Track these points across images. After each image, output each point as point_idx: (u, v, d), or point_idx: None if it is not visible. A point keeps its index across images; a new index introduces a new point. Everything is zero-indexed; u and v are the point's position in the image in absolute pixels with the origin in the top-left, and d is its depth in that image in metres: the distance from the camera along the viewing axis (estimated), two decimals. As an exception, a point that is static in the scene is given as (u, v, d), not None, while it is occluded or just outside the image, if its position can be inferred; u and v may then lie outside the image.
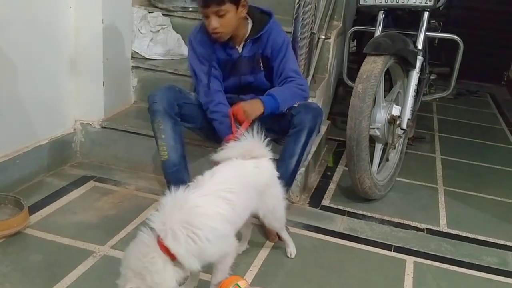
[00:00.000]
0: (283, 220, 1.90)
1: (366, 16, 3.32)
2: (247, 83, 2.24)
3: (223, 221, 1.51)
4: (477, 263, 2.11)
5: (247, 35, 2.18)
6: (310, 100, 2.57)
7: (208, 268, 1.58)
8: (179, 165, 2.10)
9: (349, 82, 2.91)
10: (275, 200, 1.81)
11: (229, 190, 1.57)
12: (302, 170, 2.39)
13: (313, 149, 2.62)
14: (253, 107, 2.04)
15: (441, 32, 3.14)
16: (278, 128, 2.15)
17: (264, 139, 1.75)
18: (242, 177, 1.67)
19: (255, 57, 2.20)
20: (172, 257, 1.43)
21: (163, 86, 2.17)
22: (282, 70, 2.17)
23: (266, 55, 2.20)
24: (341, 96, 3.87)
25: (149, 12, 3.04)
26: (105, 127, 2.62)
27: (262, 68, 2.22)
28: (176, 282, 1.44)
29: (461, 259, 2.13)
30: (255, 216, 1.80)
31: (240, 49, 2.19)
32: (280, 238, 2.04)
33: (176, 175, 2.10)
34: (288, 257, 2.00)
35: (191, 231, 1.42)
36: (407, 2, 2.61)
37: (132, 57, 2.87)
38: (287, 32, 2.36)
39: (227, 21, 2.05)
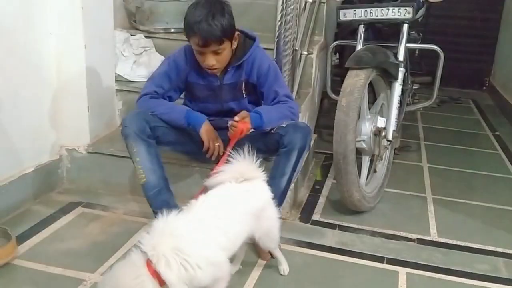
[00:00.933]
0: (278, 239, 1.90)
1: (346, 29, 3.36)
2: (230, 109, 2.24)
3: (215, 248, 1.51)
4: (469, 271, 2.12)
5: (228, 62, 2.17)
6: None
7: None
8: (158, 186, 2.09)
9: (333, 95, 2.94)
10: (271, 222, 1.81)
11: (221, 216, 1.57)
12: (291, 185, 2.39)
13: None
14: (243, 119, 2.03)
15: (421, 42, 3.19)
16: (266, 148, 2.13)
17: (256, 160, 1.75)
18: (235, 203, 1.66)
19: (237, 85, 2.20)
20: (161, 282, 1.41)
21: (134, 110, 2.18)
22: (274, 96, 2.16)
23: (251, 82, 2.20)
24: (326, 109, 3.89)
25: (131, 35, 3.05)
26: (91, 152, 2.61)
27: (245, 95, 2.23)
28: None
29: (453, 268, 2.13)
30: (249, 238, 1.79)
31: (221, 76, 2.19)
32: (272, 256, 2.03)
33: (157, 196, 2.09)
34: (281, 274, 1.99)
35: (183, 259, 1.41)
36: (386, 15, 2.64)
37: (116, 80, 2.86)
38: (269, 49, 2.38)
39: (223, 57, 2.07)
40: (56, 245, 2.11)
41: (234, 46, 2.11)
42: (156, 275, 1.40)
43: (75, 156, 2.61)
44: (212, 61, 2.05)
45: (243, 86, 2.20)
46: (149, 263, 1.41)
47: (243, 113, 2.03)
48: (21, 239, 2.11)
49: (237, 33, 2.09)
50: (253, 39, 2.19)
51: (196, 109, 2.23)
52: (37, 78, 2.43)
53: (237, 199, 1.68)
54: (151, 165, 2.07)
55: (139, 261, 1.42)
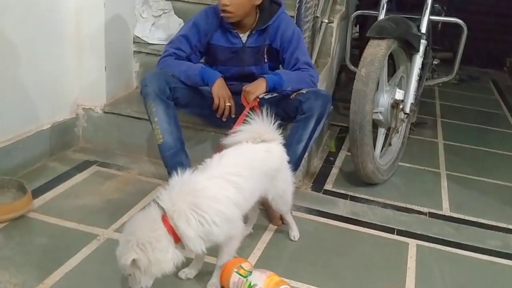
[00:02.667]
0: (290, 203, 1.91)
1: (369, 0, 3.30)
2: (250, 73, 2.22)
3: (230, 204, 1.51)
4: (480, 246, 2.12)
5: (253, 25, 2.16)
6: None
7: (213, 251, 1.59)
8: (175, 148, 2.09)
9: (352, 67, 2.91)
10: (285, 184, 1.82)
11: (237, 173, 1.57)
12: (306, 153, 2.38)
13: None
14: (255, 85, 2.04)
15: (445, 16, 3.13)
16: (284, 114, 2.10)
17: (274, 123, 1.75)
18: (251, 161, 1.67)
19: (260, 49, 2.19)
20: (176, 238, 1.43)
21: (154, 70, 2.16)
22: (295, 62, 2.15)
23: (275, 47, 2.18)
24: (343, 82, 3.85)
25: (151, -3, 3.01)
26: (107, 112, 2.62)
27: (266, 60, 2.21)
28: (174, 265, 1.45)
29: (463, 242, 2.13)
30: (262, 200, 1.80)
31: (244, 38, 2.17)
32: (283, 221, 2.04)
33: (173, 158, 2.09)
34: (291, 240, 2.00)
35: (200, 215, 1.43)
36: (411, -15, 2.59)
37: (134, 41, 2.85)
38: (290, 16, 2.34)
39: (239, 2, 2.04)
40: (70, 201, 2.14)
41: (257, 2, 2.09)
42: (173, 231, 1.42)
43: (92, 115, 2.63)
44: (226, 0, 2.02)
45: (266, 50, 2.19)
46: (165, 218, 1.43)
47: (255, 84, 2.03)
48: (37, 193, 2.14)
49: None
50: (279, 4, 2.17)
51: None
52: (56, 35, 2.43)
53: (253, 159, 1.68)
54: (168, 126, 2.07)
55: (158, 215, 1.44)
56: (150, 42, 2.90)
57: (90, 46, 2.55)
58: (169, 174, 2.06)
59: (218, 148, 1.81)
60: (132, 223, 1.45)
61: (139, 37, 2.89)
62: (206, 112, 2.27)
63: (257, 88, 2.02)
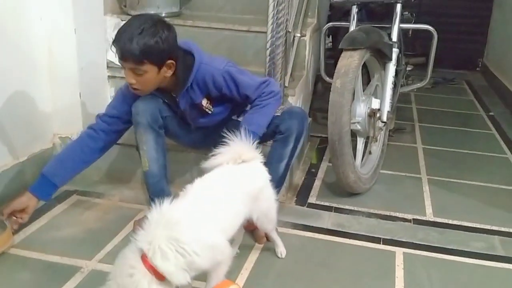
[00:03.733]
0: (275, 221, 1.90)
1: (339, 10, 3.34)
2: (205, 126, 2.18)
3: (211, 231, 1.49)
4: (465, 249, 2.13)
5: (176, 87, 2.02)
6: (289, 98, 2.58)
7: (201, 276, 1.56)
8: (159, 175, 2.07)
9: (327, 78, 2.92)
10: (269, 203, 1.81)
11: (219, 198, 1.56)
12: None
13: (296, 147, 2.61)
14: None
15: (415, 23, 3.18)
16: (263, 136, 2.04)
17: (253, 142, 1.74)
18: (234, 183, 1.65)
19: (198, 106, 2.06)
20: (159, 276, 1.39)
21: (147, 96, 2.03)
22: (245, 97, 2.03)
23: (214, 96, 2.05)
24: (320, 92, 3.87)
25: (122, 20, 2.99)
26: (84, 139, 2.58)
27: (212, 110, 2.09)
28: None
29: (449, 247, 2.14)
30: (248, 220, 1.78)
31: (176, 103, 2.06)
32: (268, 239, 2.03)
33: (157, 185, 2.07)
34: (278, 257, 1.99)
35: (179, 247, 1.39)
36: (380, -5, 2.62)
37: (107, 66, 2.83)
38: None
39: (146, 80, 1.89)
40: (52, 233, 2.11)
41: (168, 74, 1.92)
42: (153, 269, 1.38)
43: (69, 144, 2.58)
44: (131, 79, 1.88)
45: (206, 103, 2.06)
46: (145, 258, 1.39)
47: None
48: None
49: (171, 61, 1.89)
50: (192, 55, 1.98)
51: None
52: (28, 62, 2.40)
53: (235, 180, 1.67)
54: (156, 155, 2.04)
55: (134, 257, 1.40)
56: (124, 66, 2.88)
57: (63, 73, 2.52)
58: (151, 199, 2.05)
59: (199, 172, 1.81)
60: (113, 269, 1.42)
61: (113, 62, 2.87)
62: (195, 143, 2.27)
63: None
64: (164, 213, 1.44)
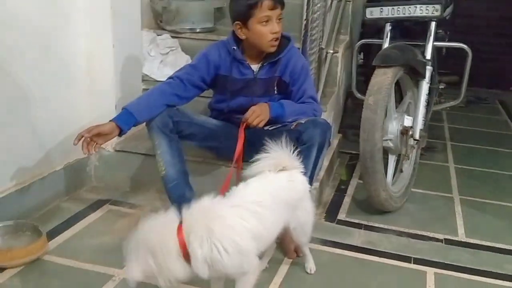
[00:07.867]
0: (310, 235, 1.89)
1: (372, 28, 3.34)
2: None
3: (247, 236, 1.49)
4: (498, 271, 2.09)
5: (265, 57, 2.19)
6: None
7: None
8: (177, 179, 2.12)
9: (359, 95, 2.93)
10: (307, 214, 1.80)
11: (261, 204, 1.56)
12: (316, 184, 2.38)
13: (326, 163, 2.62)
14: (260, 108, 2.08)
15: (449, 41, 3.16)
16: (282, 127, 2.16)
17: (294, 150, 1.74)
18: (276, 191, 1.65)
19: (271, 80, 2.22)
20: (185, 254, 1.41)
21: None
22: (301, 95, 2.20)
23: (284, 80, 2.22)
24: (350, 108, 3.87)
25: (158, 35, 3.08)
26: (118, 150, 2.64)
27: (276, 92, 2.24)
28: (183, 276, 1.43)
29: (481, 268, 2.10)
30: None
31: (256, 70, 2.21)
32: (298, 254, 2.03)
33: (175, 190, 2.13)
34: (307, 273, 1.98)
35: (212, 242, 1.41)
36: (414, 13, 2.63)
37: (142, 79, 2.90)
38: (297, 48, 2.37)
39: (281, 27, 2.11)
40: (85, 241, 2.15)
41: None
42: (183, 245, 1.40)
43: (103, 154, 2.65)
44: (279, 27, 2.09)
45: (276, 82, 2.22)
46: (181, 229, 1.42)
47: (260, 108, 2.07)
48: (52, 235, 2.15)
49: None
50: (288, 39, 2.22)
51: (226, 104, 2.27)
52: (68, 77, 2.48)
53: (278, 188, 1.66)
54: (171, 159, 2.12)
55: (174, 223, 1.43)
56: (158, 80, 2.94)
57: (100, 86, 2.59)
58: (172, 205, 2.08)
59: (228, 176, 1.84)
60: (147, 226, 1.45)
61: (148, 75, 2.94)
62: (213, 144, 2.30)
63: (262, 113, 2.06)
64: (206, 206, 1.48)
